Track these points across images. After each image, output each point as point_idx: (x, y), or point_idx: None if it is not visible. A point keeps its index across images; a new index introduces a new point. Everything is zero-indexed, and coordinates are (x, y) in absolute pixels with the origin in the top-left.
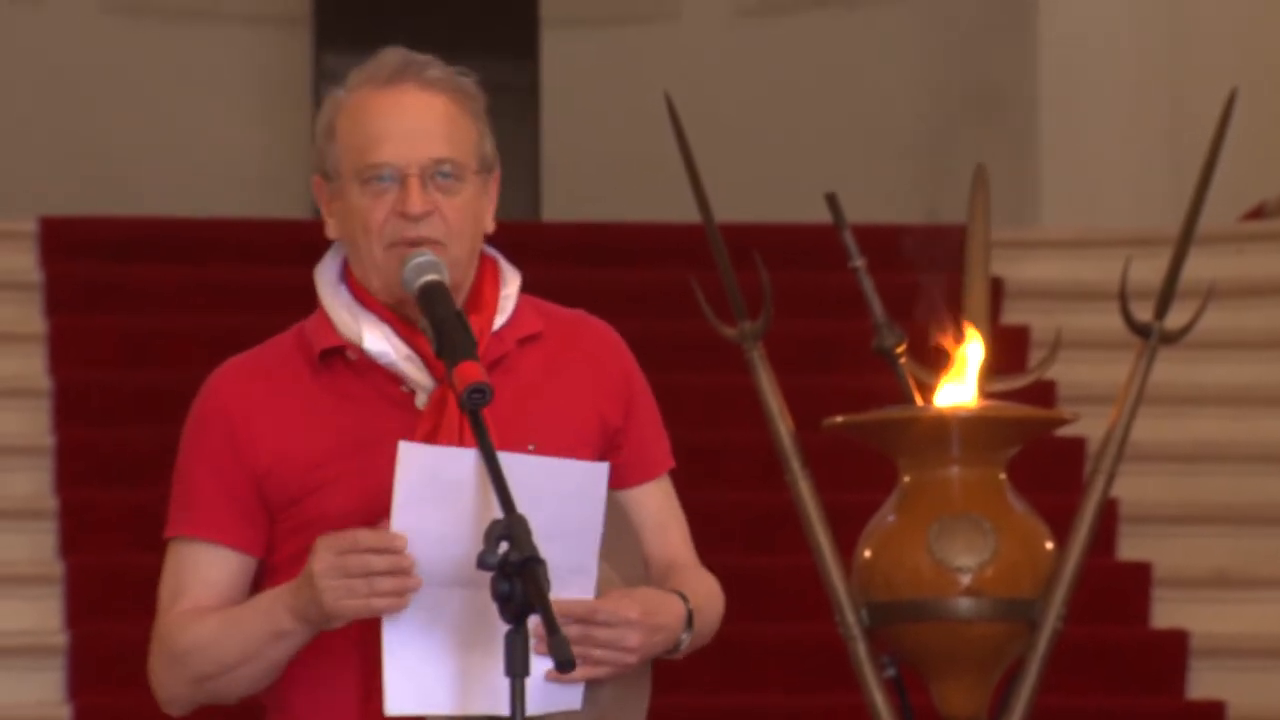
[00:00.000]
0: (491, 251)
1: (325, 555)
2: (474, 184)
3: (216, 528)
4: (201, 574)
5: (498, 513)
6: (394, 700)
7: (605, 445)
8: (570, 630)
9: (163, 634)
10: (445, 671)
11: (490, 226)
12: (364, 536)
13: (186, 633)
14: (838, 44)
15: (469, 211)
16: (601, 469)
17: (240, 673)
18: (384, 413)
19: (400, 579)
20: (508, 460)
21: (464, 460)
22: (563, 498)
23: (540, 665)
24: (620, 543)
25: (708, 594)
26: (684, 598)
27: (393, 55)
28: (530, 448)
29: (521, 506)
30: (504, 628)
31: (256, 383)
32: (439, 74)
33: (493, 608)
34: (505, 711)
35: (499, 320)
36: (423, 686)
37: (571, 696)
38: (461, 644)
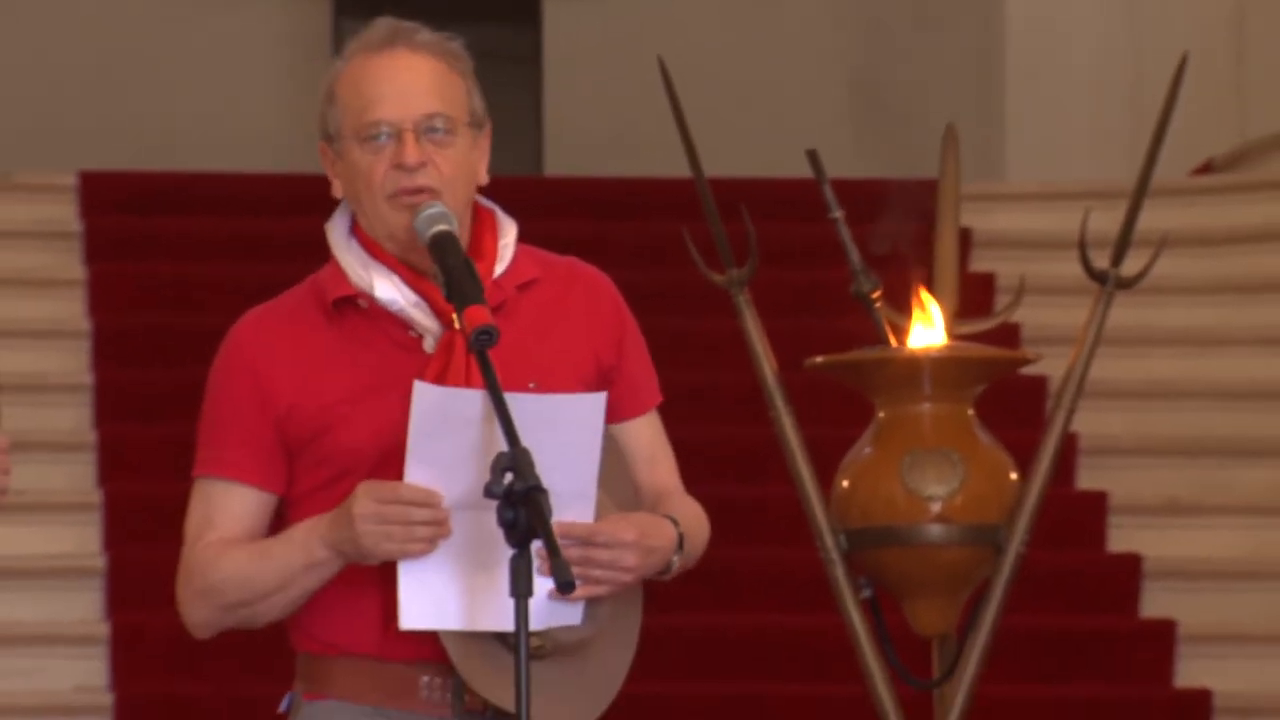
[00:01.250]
0: (488, 203)
1: (367, 502)
2: (465, 137)
3: (240, 468)
4: (228, 509)
5: (503, 445)
6: (408, 616)
7: (600, 382)
8: (571, 552)
9: (192, 565)
10: (456, 589)
11: (484, 179)
12: (405, 490)
13: (218, 564)
14: (821, 12)
15: (461, 163)
16: (599, 399)
17: (272, 600)
18: (394, 356)
19: (435, 528)
20: (514, 399)
21: (472, 400)
22: (564, 430)
23: (545, 584)
24: (615, 472)
25: (694, 518)
26: (675, 522)
27: (384, 24)
28: (531, 385)
29: (526, 440)
30: (510, 549)
31: (275, 331)
32: (427, 38)
33: (500, 530)
34: (512, 627)
35: (499, 268)
36: (435, 603)
37: (573, 613)
38: (471, 564)
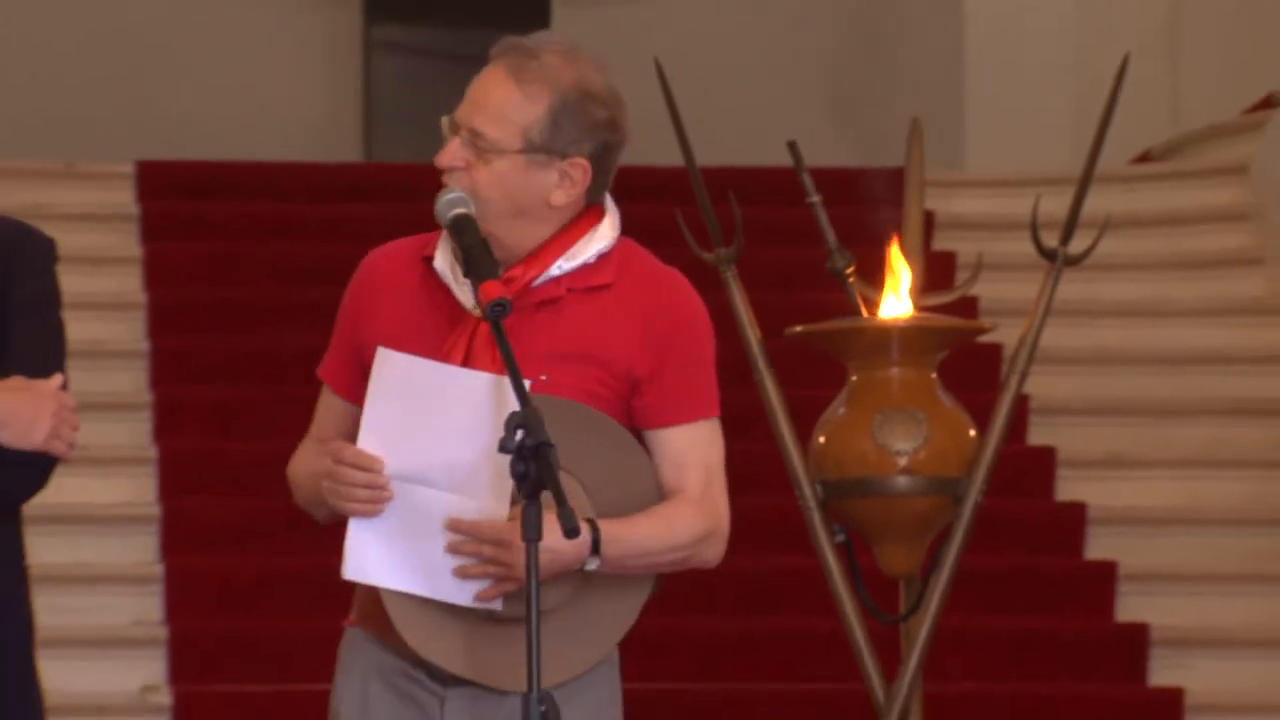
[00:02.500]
0: (608, 208)
1: (325, 458)
2: (512, 161)
3: (334, 378)
4: (323, 411)
5: (454, 425)
6: (348, 568)
7: (628, 390)
8: (466, 548)
9: (292, 464)
10: (393, 554)
11: (555, 200)
12: (349, 453)
13: (295, 463)
14: (799, 16)
15: (500, 182)
16: (485, 380)
17: (314, 511)
18: (444, 322)
19: (373, 493)
20: (425, 366)
21: (430, 371)
22: (453, 403)
23: (449, 561)
24: (621, 466)
25: (661, 527)
26: (595, 527)
27: (519, 37)
28: (542, 378)
29: (423, 407)
30: (442, 525)
31: (386, 271)
32: (537, 65)
33: (444, 505)
34: (439, 596)
35: (564, 266)
36: (374, 562)
37: (462, 593)
38: (408, 533)
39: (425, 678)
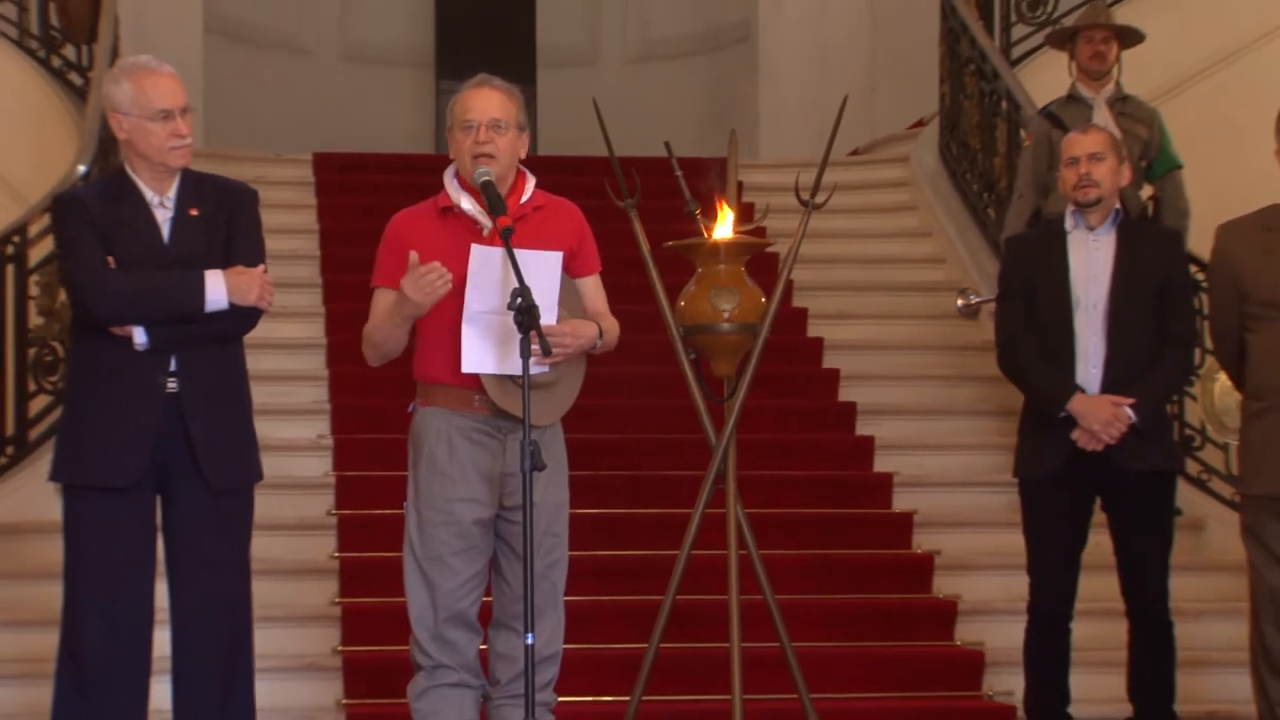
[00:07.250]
0: (524, 169)
1: (407, 280)
2: (513, 132)
3: (391, 280)
4: (386, 303)
5: (512, 282)
6: (466, 364)
7: (570, 258)
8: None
9: (367, 329)
10: (490, 354)
11: (521, 155)
12: (420, 265)
13: (373, 329)
14: (675, 78)
15: (509, 145)
16: (556, 256)
17: (390, 344)
18: (467, 238)
19: (442, 276)
20: (521, 254)
21: (497, 254)
22: (540, 272)
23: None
24: (570, 299)
25: (611, 327)
26: (599, 325)
27: (479, 77)
28: None
29: (496, 273)
30: (517, 335)
31: (412, 219)
32: (500, 83)
33: (512, 325)
34: (518, 372)
35: (524, 198)
36: (480, 359)
37: (544, 369)
38: (497, 341)
39: (493, 430)
